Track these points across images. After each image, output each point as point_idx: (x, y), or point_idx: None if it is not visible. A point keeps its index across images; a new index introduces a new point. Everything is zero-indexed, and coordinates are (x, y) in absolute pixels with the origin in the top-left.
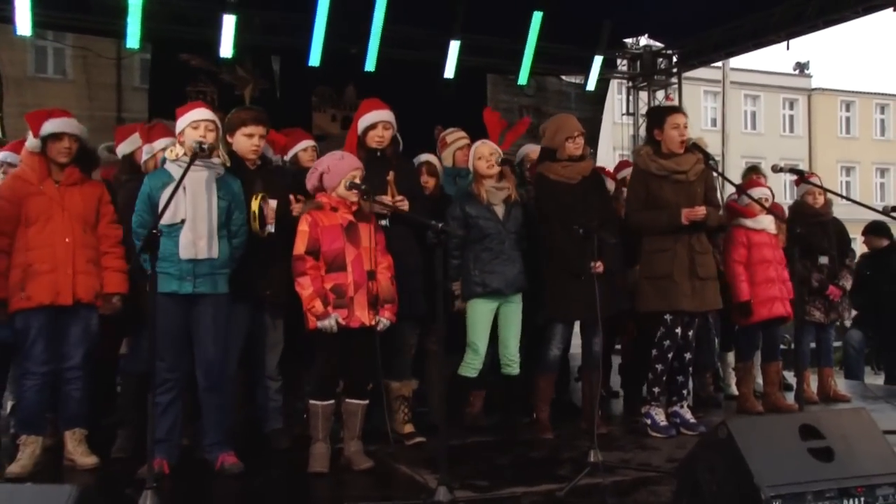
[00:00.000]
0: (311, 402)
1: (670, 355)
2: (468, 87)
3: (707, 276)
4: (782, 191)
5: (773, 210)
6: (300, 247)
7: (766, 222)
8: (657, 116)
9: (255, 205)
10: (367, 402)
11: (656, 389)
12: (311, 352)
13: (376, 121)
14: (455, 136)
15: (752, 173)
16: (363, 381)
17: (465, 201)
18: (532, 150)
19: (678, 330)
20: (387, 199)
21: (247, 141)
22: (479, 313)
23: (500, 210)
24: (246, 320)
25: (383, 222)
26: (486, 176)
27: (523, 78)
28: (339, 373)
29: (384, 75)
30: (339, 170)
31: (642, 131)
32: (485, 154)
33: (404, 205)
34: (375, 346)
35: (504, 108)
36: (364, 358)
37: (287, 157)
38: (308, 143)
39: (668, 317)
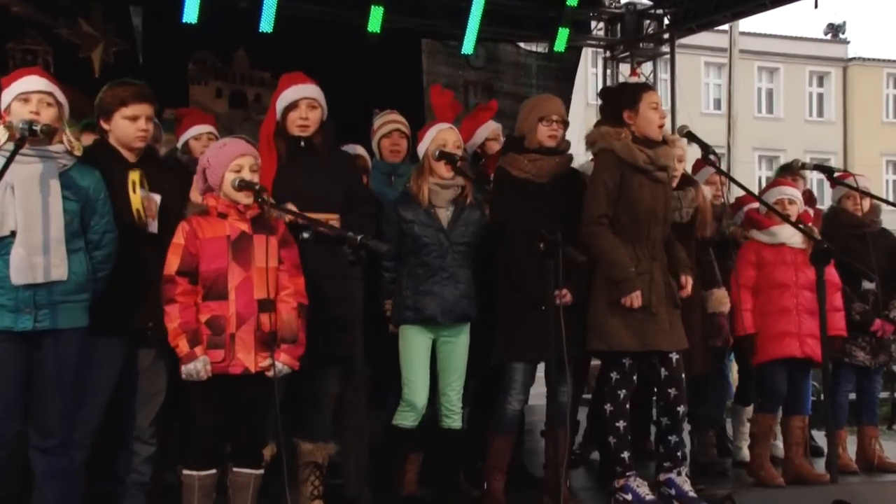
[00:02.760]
0: (185, 472)
1: (627, 406)
2: (396, 56)
3: (677, 306)
4: (819, 194)
5: (801, 219)
6: (171, 264)
7: (787, 235)
8: (629, 94)
9: (135, 176)
10: (261, 471)
11: (626, 455)
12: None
13: (297, 98)
14: (381, 121)
15: (786, 173)
16: (255, 443)
17: (401, 202)
18: (491, 131)
19: (635, 376)
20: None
21: (130, 126)
22: (413, 343)
23: (444, 214)
24: (117, 363)
25: (305, 235)
26: (437, 173)
27: (469, 45)
28: (223, 433)
29: (285, 38)
30: (220, 160)
31: None
32: (449, 142)
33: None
34: (269, 399)
35: (444, 84)
36: (256, 414)
37: (178, 146)
38: (203, 128)
39: (626, 360)
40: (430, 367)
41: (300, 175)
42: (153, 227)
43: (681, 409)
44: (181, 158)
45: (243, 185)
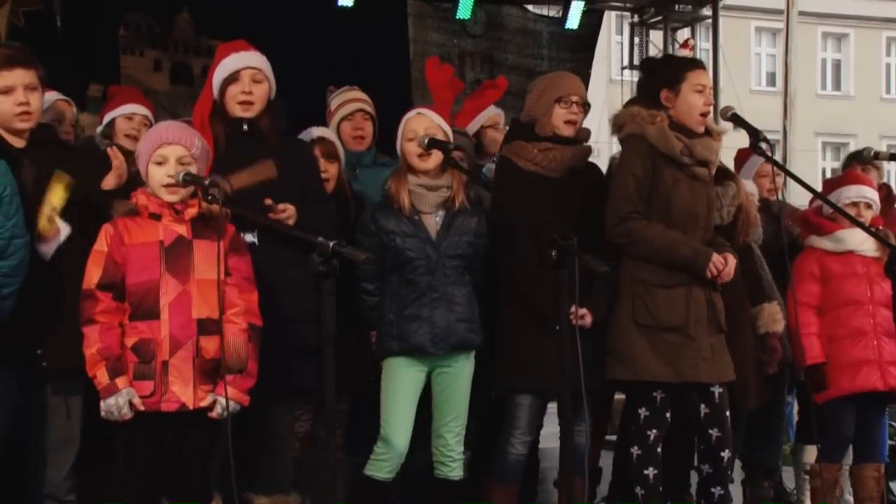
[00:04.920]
0: None
1: (659, 449)
2: (377, 21)
3: (723, 329)
4: None
5: (875, 224)
6: (91, 276)
7: (858, 240)
8: (671, 70)
9: (57, 196)
10: None
11: None
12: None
13: (238, 68)
14: (341, 99)
15: (855, 162)
16: (198, 496)
17: (379, 208)
18: (492, 116)
19: (668, 413)
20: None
21: (4, 101)
22: (399, 378)
23: (431, 222)
24: (8, 399)
25: (249, 238)
26: (417, 169)
27: (465, 8)
28: (156, 484)
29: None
30: (144, 148)
31: None
32: (419, 132)
33: (288, 216)
34: (211, 441)
35: (436, 55)
36: (196, 460)
37: (99, 128)
38: (139, 109)
39: (658, 394)
40: (423, 405)
41: (242, 165)
42: (46, 252)
43: (726, 454)
44: (100, 144)
45: (189, 180)
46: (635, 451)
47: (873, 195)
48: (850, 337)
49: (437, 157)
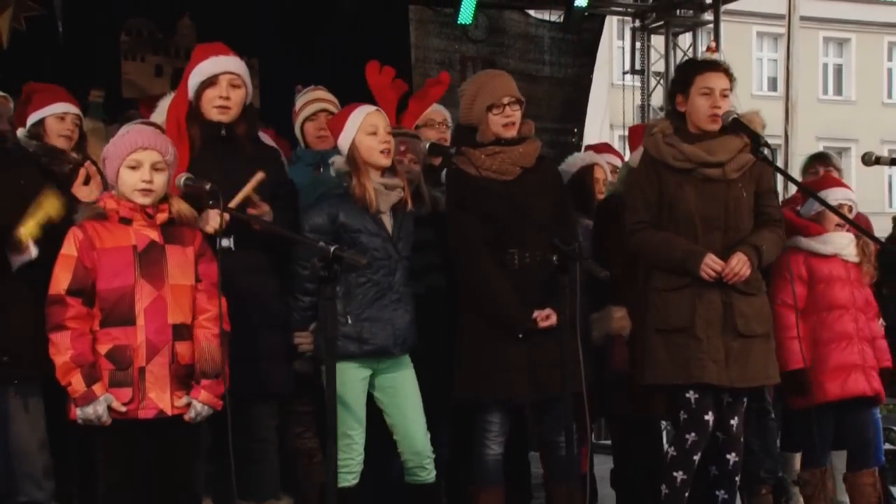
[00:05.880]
0: None
1: (696, 457)
2: (378, 26)
3: (753, 333)
4: (886, 195)
5: (858, 224)
6: (60, 281)
7: (842, 244)
8: (682, 76)
9: (52, 207)
10: None
11: None
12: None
13: (217, 72)
14: (305, 99)
15: (818, 164)
16: (186, 502)
17: (337, 204)
18: (427, 114)
19: (709, 416)
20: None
21: None
22: (352, 384)
23: (388, 221)
24: None
25: (225, 242)
26: (378, 165)
27: (467, 13)
28: (137, 492)
29: (240, 3)
30: (117, 151)
31: (657, 99)
32: (380, 128)
33: (262, 213)
34: (195, 447)
35: (437, 60)
36: (180, 468)
37: (22, 130)
38: (66, 107)
39: (690, 395)
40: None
41: (217, 170)
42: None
43: (732, 457)
44: (27, 145)
45: (191, 186)
46: (671, 451)
47: (854, 197)
48: (836, 341)
49: (390, 157)
